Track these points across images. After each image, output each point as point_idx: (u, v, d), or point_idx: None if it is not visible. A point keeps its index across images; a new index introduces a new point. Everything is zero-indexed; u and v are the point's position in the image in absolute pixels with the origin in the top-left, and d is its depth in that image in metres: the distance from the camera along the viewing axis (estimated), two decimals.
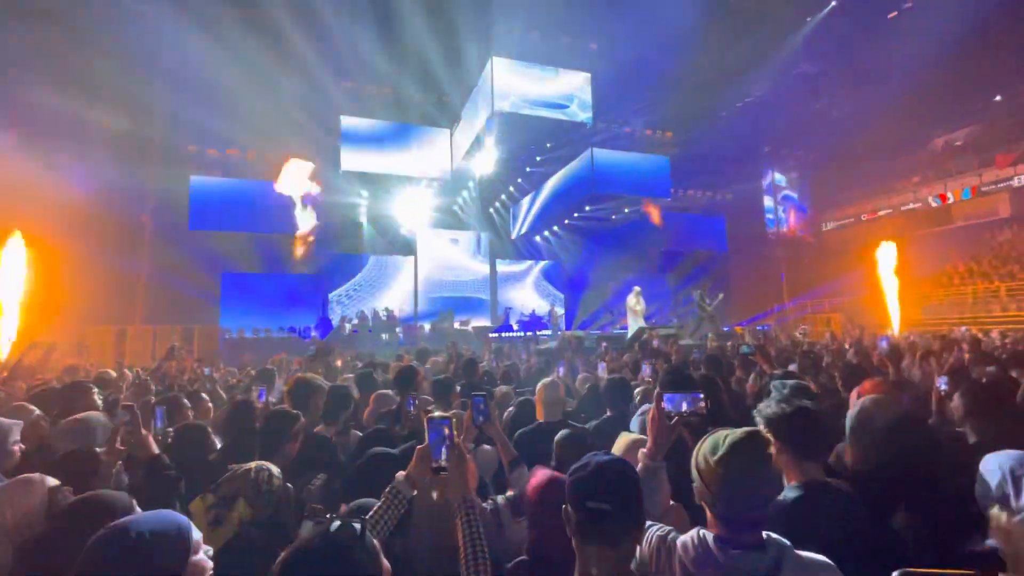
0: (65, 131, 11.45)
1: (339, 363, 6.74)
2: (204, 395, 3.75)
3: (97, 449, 2.13)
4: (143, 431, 2.21)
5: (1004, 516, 1.12)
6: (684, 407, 1.56)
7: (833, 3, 17.41)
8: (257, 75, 13.94)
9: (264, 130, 14.85)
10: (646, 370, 4.38)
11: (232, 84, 13.81)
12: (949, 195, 23.59)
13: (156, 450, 2.23)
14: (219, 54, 12.95)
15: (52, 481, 1.69)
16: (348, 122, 16.48)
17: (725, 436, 1.21)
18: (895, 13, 18.19)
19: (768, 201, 22.80)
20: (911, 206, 25.10)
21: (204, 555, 1.09)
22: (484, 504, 1.86)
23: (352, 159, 16.49)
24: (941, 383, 3.06)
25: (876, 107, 19.66)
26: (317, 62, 14.66)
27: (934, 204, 24.17)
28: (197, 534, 1.10)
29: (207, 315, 14.93)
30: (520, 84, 15.55)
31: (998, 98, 23.04)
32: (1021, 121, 22.06)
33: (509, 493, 1.98)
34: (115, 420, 2.33)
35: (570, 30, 16.30)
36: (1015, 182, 21.41)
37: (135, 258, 13.48)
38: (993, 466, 1.50)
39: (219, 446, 2.63)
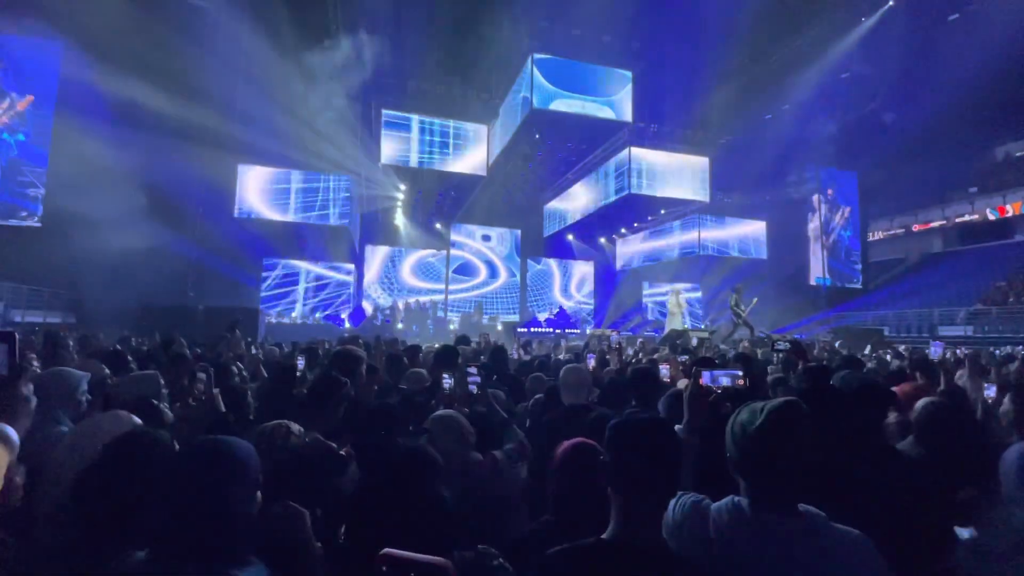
0: (123, 114, 12.09)
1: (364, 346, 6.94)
2: (234, 367, 3.96)
3: (163, 406, 2.29)
4: (214, 390, 2.38)
5: None
6: (723, 382, 1.57)
7: (890, 4, 16.67)
8: (304, 68, 14.37)
9: (308, 122, 15.31)
10: (664, 372, 4.34)
11: (283, 79, 14.30)
12: (1008, 208, 22.32)
13: (223, 408, 2.40)
14: (267, 47, 13.43)
15: (137, 420, 1.82)
16: (389, 116, 16.80)
17: (762, 406, 1.22)
18: (956, 16, 17.29)
19: (812, 206, 22.03)
20: (966, 218, 23.86)
21: (259, 495, 1.16)
22: (483, 458, 2.10)
23: (391, 152, 16.81)
24: (989, 391, 2.98)
25: (931, 113, 18.73)
26: (361, 56, 15.00)
27: (992, 217, 22.92)
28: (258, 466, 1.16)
29: (248, 298, 15.54)
30: (560, 81, 15.52)
31: None
32: None
33: (507, 447, 2.25)
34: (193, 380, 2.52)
35: (612, 28, 16.14)
36: None
37: (185, 240, 14.12)
38: (1014, 453, 1.49)
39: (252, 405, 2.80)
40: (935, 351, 4.70)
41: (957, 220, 24.18)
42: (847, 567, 1.13)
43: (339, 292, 17.78)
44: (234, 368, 3.33)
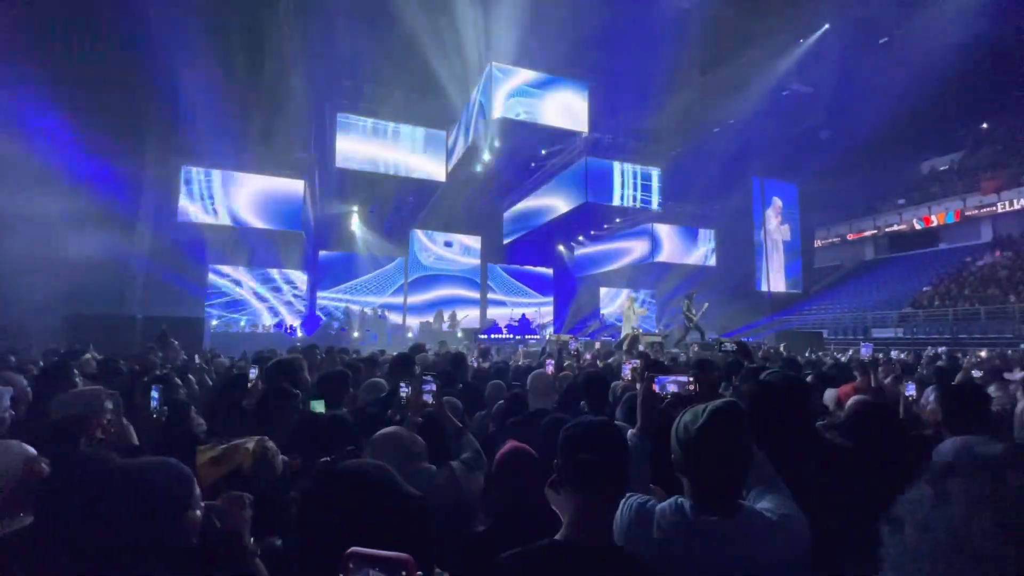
0: (55, 111, 11.35)
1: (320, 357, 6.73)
2: (177, 379, 3.77)
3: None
4: (124, 421, 2.20)
5: None
6: (673, 389, 1.63)
7: (826, 26, 17.82)
8: (256, 67, 13.91)
9: (259, 123, 14.80)
10: (626, 371, 4.44)
11: (230, 76, 13.77)
12: (933, 218, 24.19)
13: (135, 440, 2.22)
14: (218, 45, 12.93)
15: (31, 451, 1.69)
16: (345, 119, 16.47)
17: (705, 407, 1.28)
18: (886, 39, 18.67)
19: (756, 216, 23.13)
20: (896, 228, 25.68)
21: (199, 512, 1.12)
22: (440, 469, 2.07)
23: (347, 157, 16.47)
24: (909, 389, 3.22)
25: (864, 130, 20.13)
26: (316, 58, 14.67)
27: (918, 226, 24.75)
28: (198, 489, 1.14)
29: (192, 307, 14.80)
30: (517, 90, 15.69)
31: (984, 125, 23.72)
32: (1006, 149, 22.74)
33: (464, 456, 2.25)
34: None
35: (569, 39, 16.48)
36: (998, 208, 22.00)
37: (125, 246, 13.32)
38: (947, 448, 1.62)
39: (203, 423, 2.67)
40: (865, 352, 5.05)
41: (887, 230, 26.01)
42: (781, 559, 1.21)
43: (291, 299, 17.21)
44: (177, 381, 3.17)
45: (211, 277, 16.11)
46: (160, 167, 13.99)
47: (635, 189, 18.43)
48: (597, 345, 9.47)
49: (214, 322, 14.60)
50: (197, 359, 5.20)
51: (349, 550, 0.67)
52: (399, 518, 1.12)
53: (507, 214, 22.31)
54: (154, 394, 2.53)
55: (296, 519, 1.28)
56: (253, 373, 3.08)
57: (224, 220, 15.74)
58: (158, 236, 14.14)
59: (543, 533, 1.21)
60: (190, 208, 15.19)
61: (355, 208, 19.18)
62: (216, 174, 15.64)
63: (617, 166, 18.08)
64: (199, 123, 14.12)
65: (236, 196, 15.94)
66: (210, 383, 4.34)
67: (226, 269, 16.44)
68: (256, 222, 16.05)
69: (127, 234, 13.39)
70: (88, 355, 5.09)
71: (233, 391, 2.75)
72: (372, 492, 1.15)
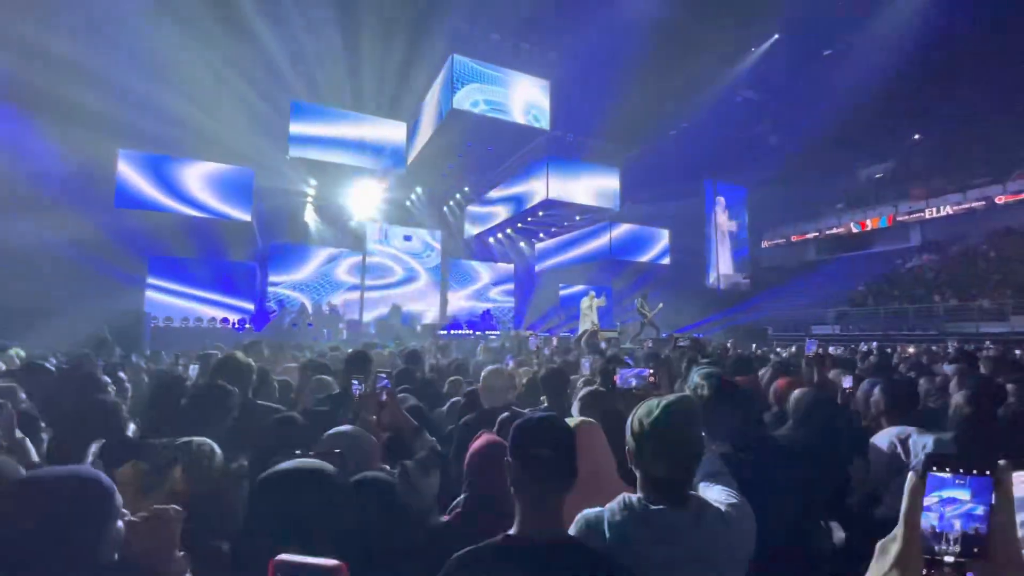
0: None
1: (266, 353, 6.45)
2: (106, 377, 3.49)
3: None
4: (16, 436, 1.97)
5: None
6: (632, 384, 1.65)
7: (776, 36, 18.61)
8: (203, 47, 13.19)
9: (206, 106, 14.05)
10: (585, 366, 4.50)
11: (174, 54, 13.00)
12: (868, 222, 25.79)
13: (34, 457, 2.01)
14: (163, 21, 12.18)
15: None
16: (299, 106, 15.87)
17: (659, 401, 1.30)
18: (830, 51, 19.69)
19: (708, 218, 23.96)
20: (835, 231, 27.23)
21: (120, 525, 1.04)
22: (393, 469, 1.98)
23: (301, 145, 15.89)
24: (846, 382, 3.40)
25: (808, 137, 21.18)
26: (270, 41, 14.06)
27: (855, 230, 26.33)
28: (119, 499, 1.05)
29: (131, 300, 13.91)
30: (479, 84, 15.56)
31: (916, 136, 25.41)
32: (934, 160, 24.48)
33: (419, 455, 2.14)
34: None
35: (531, 38, 16.51)
36: (926, 214, 23.69)
37: (52, 233, 12.34)
38: (884, 438, 1.70)
39: (134, 425, 2.49)
40: (809, 348, 5.29)
41: (827, 232, 27.55)
42: (729, 547, 1.25)
43: (240, 293, 16.46)
44: (107, 378, 2.95)
45: (152, 268, 15.18)
46: (93, 149, 13.01)
47: (594, 186, 18.66)
48: (555, 341, 9.56)
49: (155, 317, 13.77)
50: (134, 357, 4.88)
51: (276, 557, 0.64)
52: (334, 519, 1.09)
53: (468, 208, 22.17)
54: (92, 449, 1.94)
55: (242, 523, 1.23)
56: (193, 371, 2.91)
57: (168, 205, 14.88)
58: (91, 223, 13.16)
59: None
60: (128, 194, 14.29)
61: (309, 199, 18.56)
62: (159, 159, 14.77)
63: (576, 164, 18.28)
64: (138, 103, 13.26)
65: (181, 183, 15.12)
66: (147, 380, 4.08)
67: (169, 260, 15.54)
68: (203, 210, 15.27)
69: (53, 221, 12.39)
70: (13, 351, 4.70)
71: (171, 390, 2.58)
72: (307, 493, 1.12)
